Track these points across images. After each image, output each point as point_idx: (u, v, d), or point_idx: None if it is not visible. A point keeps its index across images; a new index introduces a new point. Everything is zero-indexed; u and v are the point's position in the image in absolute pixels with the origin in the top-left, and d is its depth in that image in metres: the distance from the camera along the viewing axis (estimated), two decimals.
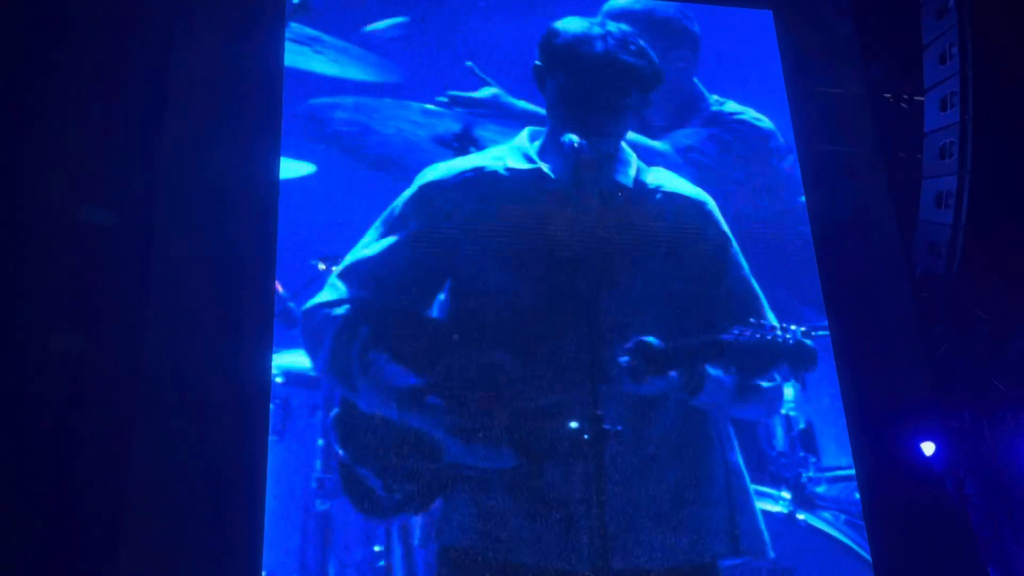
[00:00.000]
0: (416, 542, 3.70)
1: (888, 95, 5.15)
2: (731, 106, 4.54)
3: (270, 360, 3.87)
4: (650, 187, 3.86)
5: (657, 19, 4.22)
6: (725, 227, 3.92)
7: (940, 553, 4.11)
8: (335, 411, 3.70)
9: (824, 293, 4.44)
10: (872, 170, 4.89)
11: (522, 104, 4.31)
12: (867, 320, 4.46)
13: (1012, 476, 4.46)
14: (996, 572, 4.28)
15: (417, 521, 3.71)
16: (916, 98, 5.04)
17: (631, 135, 4.06)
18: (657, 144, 4.34)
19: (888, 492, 4.13)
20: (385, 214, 3.79)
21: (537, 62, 3.85)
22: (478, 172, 3.85)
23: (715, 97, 4.47)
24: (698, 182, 4.06)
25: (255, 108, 4.22)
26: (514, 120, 4.22)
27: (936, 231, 4.76)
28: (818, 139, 4.82)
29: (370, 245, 3.75)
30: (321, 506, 3.79)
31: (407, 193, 3.80)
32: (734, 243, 3.89)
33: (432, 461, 3.64)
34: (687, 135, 4.41)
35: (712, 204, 3.94)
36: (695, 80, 4.50)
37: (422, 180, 3.82)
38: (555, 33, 3.83)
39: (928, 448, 4.30)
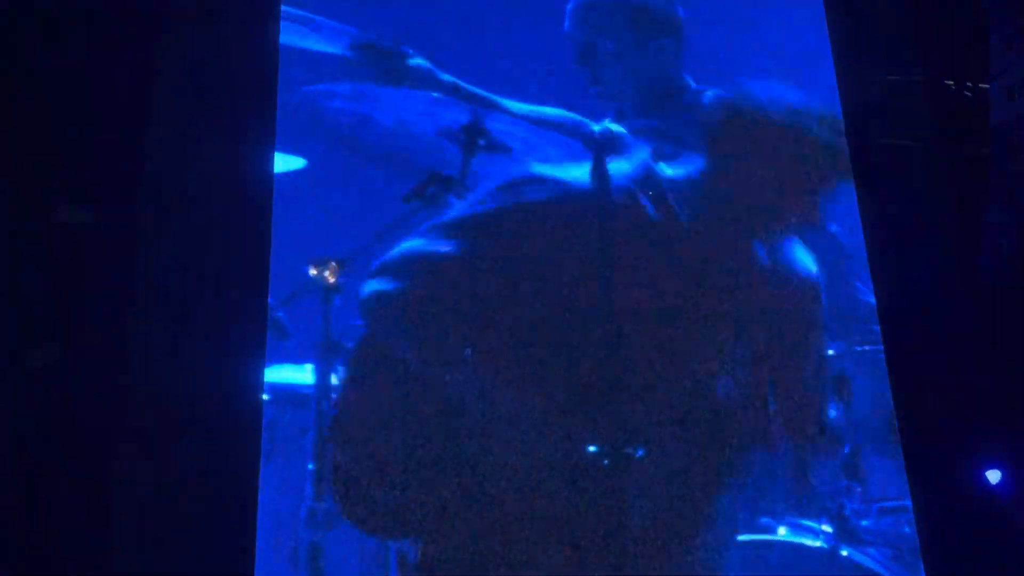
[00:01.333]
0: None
1: (950, 82, 4.91)
2: (710, 94, 4.39)
3: (263, 374, 3.76)
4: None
5: (633, 5, 4.07)
6: None
7: None
8: (334, 412, 3.63)
9: (877, 302, 4.28)
10: (932, 166, 4.69)
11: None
12: (926, 333, 4.28)
13: None
14: None
15: (413, 549, 3.64)
16: (981, 86, 4.84)
17: None
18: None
19: (948, 524, 3.98)
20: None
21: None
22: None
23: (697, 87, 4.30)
24: None
25: (247, 97, 4.08)
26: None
27: (1004, 234, 4.58)
28: (872, 131, 4.66)
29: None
30: (312, 537, 3.67)
31: None
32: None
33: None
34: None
35: None
36: (679, 71, 4.37)
37: None
38: None
39: (994, 476, 4.10)
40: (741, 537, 3.74)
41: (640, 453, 3.71)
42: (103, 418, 3.69)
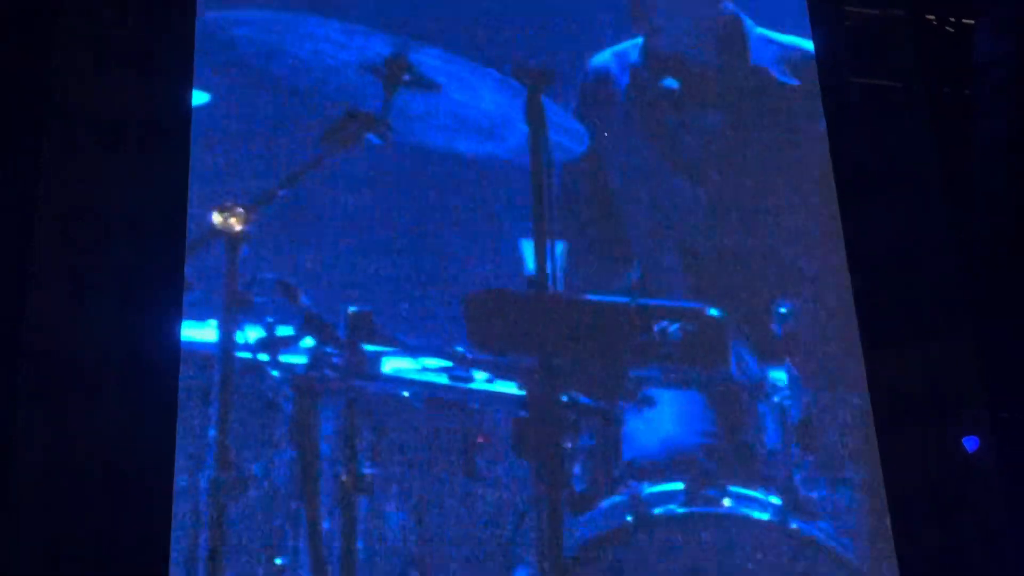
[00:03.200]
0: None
1: (931, 17, 4.77)
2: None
3: (179, 331, 3.62)
4: None
5: None
6: None
7: (980, 564, 3.86)
8: None
9: (849, 258, 4.16)
10: (911, 108, 4.56)
11: None
12: (901, 291, 4.19)
13: None
14: None
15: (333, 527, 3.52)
16: (965, 21, 4.71)
17: None
18: None
19: (922, 494, 3.91)
20: None
21: None
22: None
23: None
24: None
25: (162, 25, 3.92)
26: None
27: (987, 183, 4.47)
28: (846, 70, 4.53)
29: None
30: (215, 510, 3.52)
31: None
32: None
33: None
34: None
35: None
36: None
37: None
38: None
39: (972, 443, 4.01)
40: (682, 510, 3.65)
41: (584, 400, 3.72)
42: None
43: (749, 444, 3.79)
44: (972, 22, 4.67)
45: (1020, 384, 4.23)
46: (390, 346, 3.75)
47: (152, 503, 3.51)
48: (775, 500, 3.75)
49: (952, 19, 4.82)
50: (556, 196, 3.93)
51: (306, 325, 3.70)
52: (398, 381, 3.73)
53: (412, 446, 3.63)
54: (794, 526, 3.72)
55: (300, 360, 3.69)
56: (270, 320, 3.70)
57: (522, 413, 3.69)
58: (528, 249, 3.87)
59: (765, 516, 3.72)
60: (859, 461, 3.84)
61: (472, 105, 4.00)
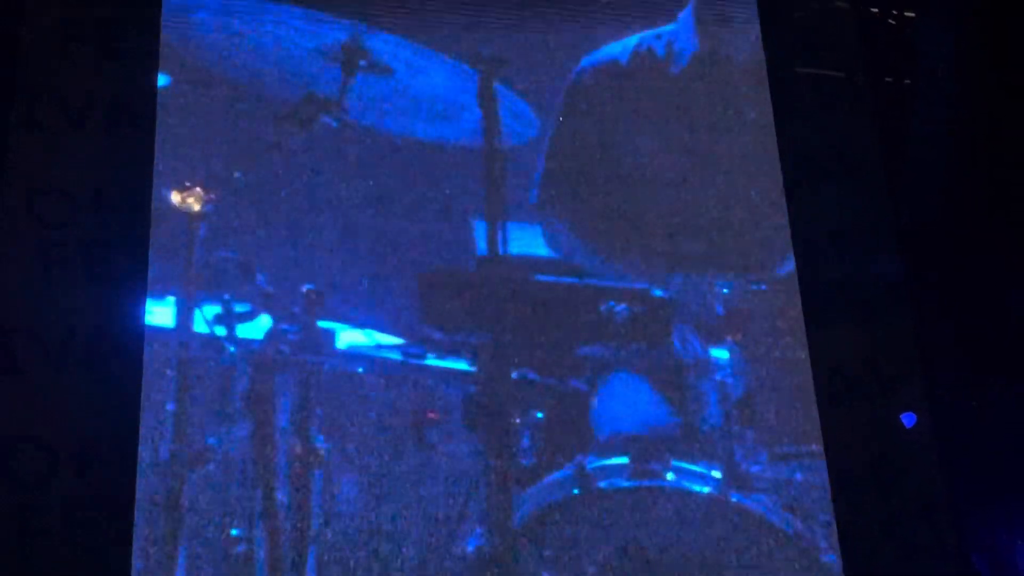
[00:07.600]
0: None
1: (875, 9, 4.71)
2: None
3: (144, 306, 3.58)
4: None
5: None
6: None
7: (919, 537, 3.81)
8: None
9: (793, 240, 4.11)
10: (855, 98, 4.49)
11: None
12: (844, 273, 4.15)
13: (1007, 454, 4.09)
14: (981, 562, 3.97)
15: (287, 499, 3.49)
16: (907, 14, 4.66)
17: None
18: None
19: (861, 468, 3.85)
20: None
21: None
22: None
23: None
24: None
25: (128, 3, 3.86)
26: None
27: (926, 170, 4.41)
28: (792, 60, 4.47)
29: None
30: (172, 482, 3.48)
31: None
32: None
33: None
34: None
35: None
36: None
37: None
38: None
39: (909, 420, 3.95)
40: (626, 483, 3.62)
41: (533, 377, 3.70)
42: None
43: (692, 420, 3.76)
44: (913, 15, 4.62)
45: (954, 363, 4.20)
46: (345, 323, 3.70)
47: (117, 476, 3.45)
48: (716, 474, 3.72)
49: (895, 12, 4.77)
50: (507, 178, 3.87)
51: (262, 302, 3.64)
52: (352, 357, 3.68)
53: (366, 420, 3.60)
54: (734, 499, 3.69)
55: (256, 336, 3.65)
56: (227, 297, 3.66)
57: (473, 389, 3.66)
58: (480, 230, 3.82)
59: (706, 489, 3.69)
60: (798, 436, 3.81)
61: (426, 90, 3.95)
